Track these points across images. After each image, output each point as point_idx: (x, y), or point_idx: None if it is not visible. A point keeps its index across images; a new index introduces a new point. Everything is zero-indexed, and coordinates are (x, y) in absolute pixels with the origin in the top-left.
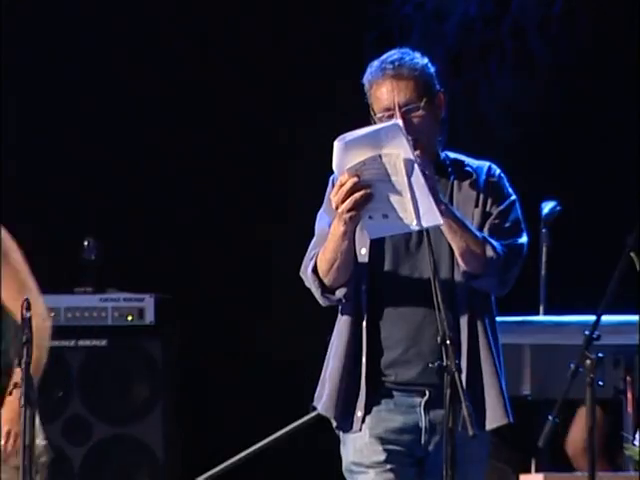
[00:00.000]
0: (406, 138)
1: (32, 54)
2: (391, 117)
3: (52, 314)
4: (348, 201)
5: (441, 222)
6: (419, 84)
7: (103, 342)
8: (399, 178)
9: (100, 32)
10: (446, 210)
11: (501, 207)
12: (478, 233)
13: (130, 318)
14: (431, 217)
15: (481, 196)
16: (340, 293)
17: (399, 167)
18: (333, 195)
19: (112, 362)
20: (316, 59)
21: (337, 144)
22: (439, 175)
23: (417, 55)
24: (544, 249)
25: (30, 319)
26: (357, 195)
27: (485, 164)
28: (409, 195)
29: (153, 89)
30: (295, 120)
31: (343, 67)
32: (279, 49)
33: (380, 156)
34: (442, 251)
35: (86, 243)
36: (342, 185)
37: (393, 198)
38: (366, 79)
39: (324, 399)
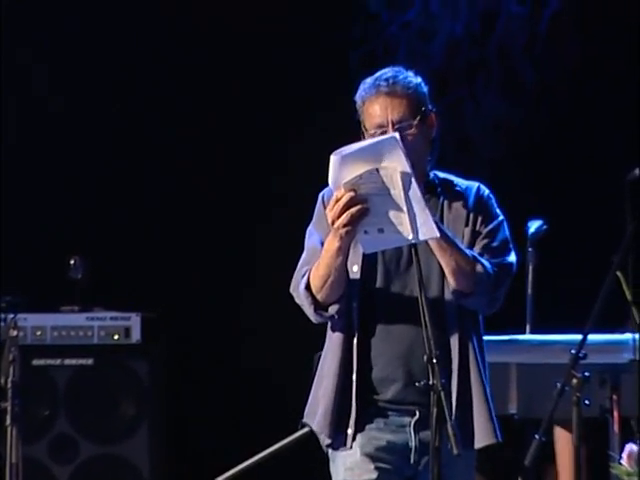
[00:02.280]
0: (403, 151)
1: (32, 54)
2: (384, 134)
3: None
4: (344, 216)
5: (437, 235)
6: (412, 102)
7: (89, 361)
8: (396, 191)
9: (100, 32)
10: (437, 228)
11: (490, 227)
12: (468, 251)
13: (116, 337)
14: (428, 230)
15: (471, 215)
16: (333, 309)
17: (396, 180)
18: (329, 210)
19: (98, 381)
20: (302, 76)
21: (333, 158)
22: (429, 194)
23: (410, 74)
24: (530, 268)
25: (16, 337)
26: (353, 210)
27: (474, 184)
28: (406, 208)
29: (152, 99)
30: (282, 139)
31: (328, 86)
32: (271, 63)
33: (377, 170)
34: (432, 270)
35: (72, 262)
36: (338, 200)
37: (390, 212)
38: (359, 96)
39: (318, 418)
